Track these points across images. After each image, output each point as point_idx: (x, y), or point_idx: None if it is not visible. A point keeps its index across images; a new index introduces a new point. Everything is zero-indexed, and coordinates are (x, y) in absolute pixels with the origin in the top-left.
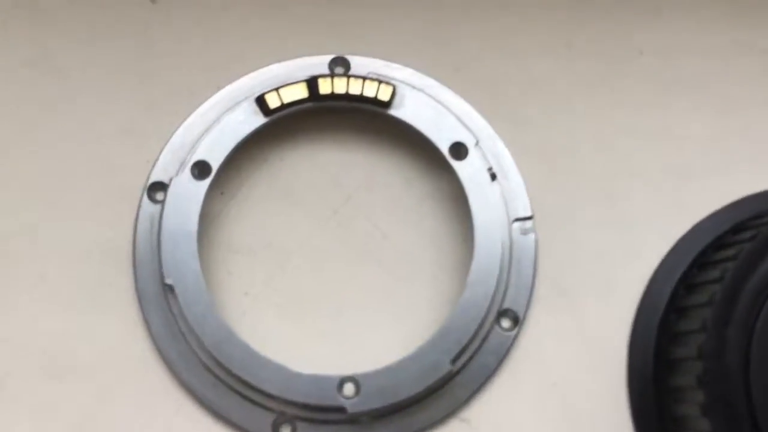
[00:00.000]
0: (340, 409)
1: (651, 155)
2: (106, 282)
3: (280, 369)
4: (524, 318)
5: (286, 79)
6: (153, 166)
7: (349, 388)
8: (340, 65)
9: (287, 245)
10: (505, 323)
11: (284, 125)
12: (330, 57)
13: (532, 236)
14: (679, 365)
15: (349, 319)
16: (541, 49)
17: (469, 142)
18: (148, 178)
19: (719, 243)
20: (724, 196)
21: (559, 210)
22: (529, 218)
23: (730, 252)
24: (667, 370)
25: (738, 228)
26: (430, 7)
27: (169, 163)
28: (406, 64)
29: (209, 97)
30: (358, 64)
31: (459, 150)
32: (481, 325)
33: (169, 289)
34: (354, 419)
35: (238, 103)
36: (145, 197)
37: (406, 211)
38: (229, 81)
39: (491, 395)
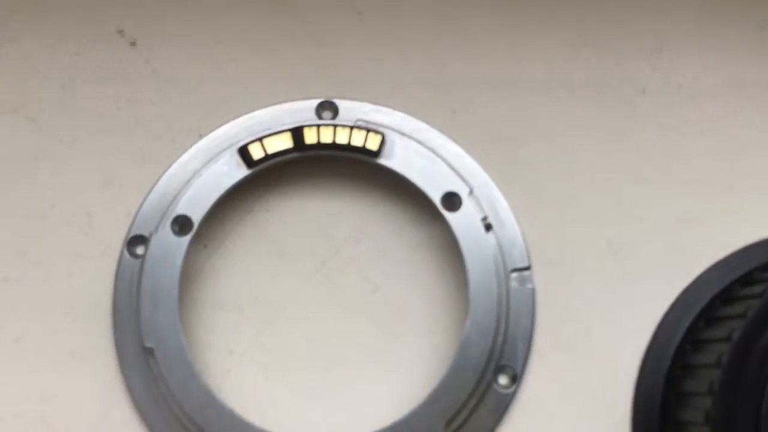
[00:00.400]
0: None
1: (654, 201)
2: (85, 342)
3: None
4: (523, 374)
5: (270, 126)
6: (134, 219)
7: None
8: (327, 110)
9: (274, 300)
10: (503, 380)
11: (269, 175)
12: (317, 101)
13: (530, 287)
14: (687, 429)
15: (338, 378)
16: (540, 90)
17: (463, 192)
18: (128, 231)
19: (727, 296)
20: (731, 243)
21: (559, 260)
22: (527, 269)
23: (739, 308)
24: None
25: (746, 279)
26: (424, 49)
27: (150, 216)
28: (398, 108)
29: (191, 146)
30: (347, 108)
31: (452, 200)
32: (477, 385)
33: (149, 352)
34: None
35: (220, 153)
36: (126, 252)
37: (397, 262)
38: (212, 128)
39: None
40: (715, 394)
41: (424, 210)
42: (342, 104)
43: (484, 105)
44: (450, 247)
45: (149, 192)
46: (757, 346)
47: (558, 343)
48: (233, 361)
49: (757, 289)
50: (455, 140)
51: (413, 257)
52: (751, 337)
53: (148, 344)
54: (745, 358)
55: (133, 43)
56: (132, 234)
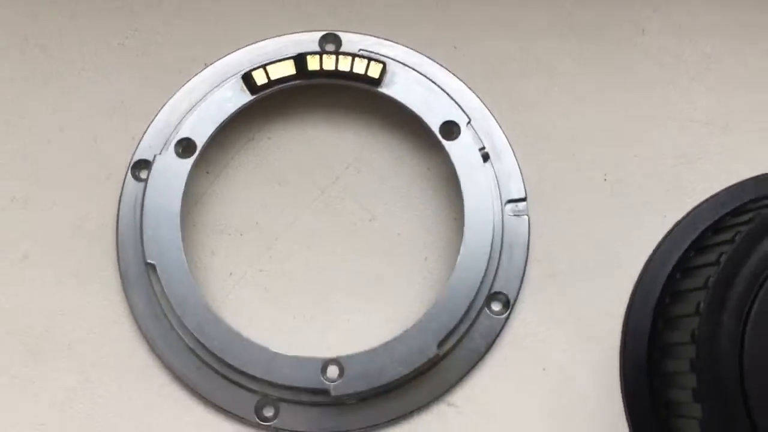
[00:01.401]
0: (323, 392)
1: (651, 137)
2: (89, 260)
3: (262, 351)
4: (515, 302)
5: (274, 55)
6: (138, 143)
7: (332, 371)
8: (330, 42)
9: (273, 226)
10: (496, 307)
11: (272, 103)
12: (321, 33)
13: (525, 218)
14: (673, 350)
15: (335, 301)
16: (543, 28)
17: (461, 122)
18: (132, 155)
19: (717, 226)
20: (725, 179)
21: (555, 192)
22: (523, 200)
23: (727, 236)
24: (661, 355)
25: (737, 211)
26: None
27: (154, 140)
28: (401, 42)
29: (196, 74)
30: (350, 41)
31: (450, 129)
32: (469, 309)
33: (151, 268)
34: (338, 402)
35: (225, 80)
36: (129, 175)
37: (396, 191)
38: (217, 58)
39: (480, 380)
40: (701, 314)
41: (424, 140)
42: (345, 36)
43: (485, 42)
44: (448, 176)
45: (154, 118)
46: (743, 268)
47: (551, 273)
48: (233, 282)
49: (746, 217)
50: (456, 74)
51: (411, 187)
52: (738, 258)
53: (150, 260)
54: (732, 279)
55: None
56: (136, 158)
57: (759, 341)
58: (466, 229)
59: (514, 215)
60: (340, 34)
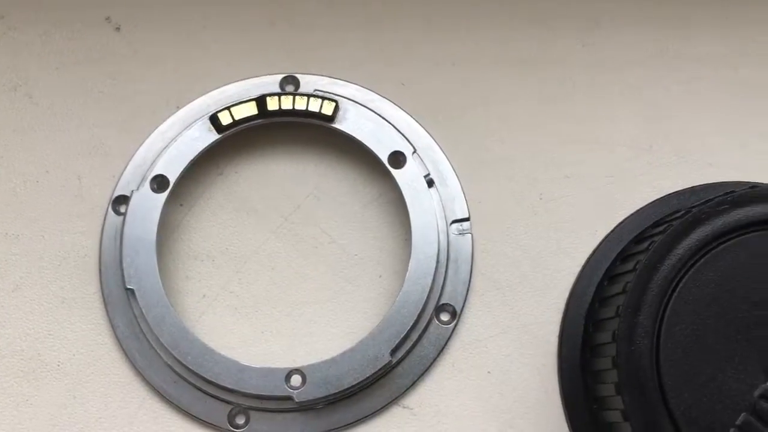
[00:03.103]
0: (288, 399)
1: (581, 160)
2: (75, 288)
3: (232, 363)
4: (462, 312)
5: (238, 97)
6: (117, 181)
7: (296, 379)
8: (290, 83)
9: (242, 251)
10: (444, 317)
11: (238, 141)
12: (281, 76)
13: (469, 236)
14: (599, 349)
15: (298, 317)
16: (482, 64)
17: (407, 151)
18: (113, 192)
19: (639, 237)
20: (649, 196)
21: (496, 212)
22: (466, 219)
23: (644, 245)
24: (591, 355)
25: (658, 223)
26: (378, 28)
27: (132, 177)
28: (353, 81)
29: (169, 117)
30: (307, 81)
31: (397, 159)
32: (419, 319)
33: (130, 293)
34: (303, 408)
35: (194, 122)
36: (110, 210)
37: (352, 216)
38: (188, 101)
39: (431, 384)
40: (620, 314)
41: (375, 169)
42: (303, 78)
43: (430, 78)
44: (397, 201)
45: (131, 157)
46: (657, 273)
47: (494, 285)
48: (206, 304)
49: (661, 228)
50: (404, 108)
51: (366, 212)
52: (652, 265)
53: (130, 286)
54: (647, 283)
55: (117, 29)
56: (116, 194)
57: (672, 338)
58: (413, 247)
59: (459, 234)
60: (298, 76)
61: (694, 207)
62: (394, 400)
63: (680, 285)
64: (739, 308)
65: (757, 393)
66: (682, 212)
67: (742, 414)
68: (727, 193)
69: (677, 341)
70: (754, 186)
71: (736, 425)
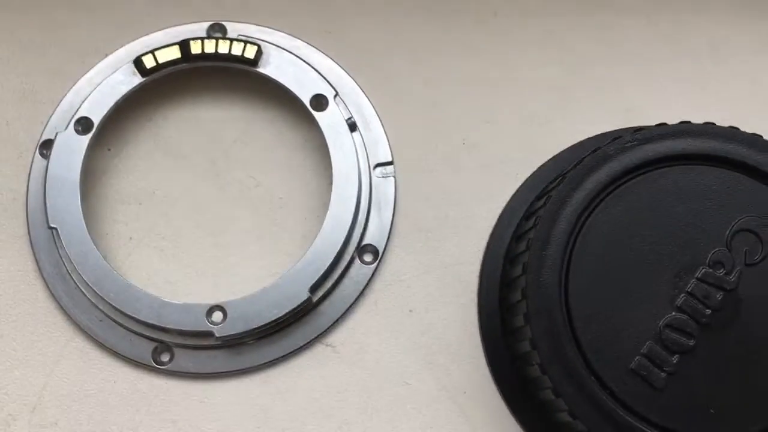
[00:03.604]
0: (209, 334)
1: (503, 104)
2: (3, 230)
3: (154, 300)
4: (384, 252)
5: (165, 44)
6: (45, 126)
7: (217, 315)
8: (217, 31)
9: (170, 195)
10: (367, 258)
11: (165, 86)
12: (208, 24)
13: (391, 180)
14: (513, 283)
15: (224, 258)
16: (406, 12)
17: (329, 95)
18: (40, 136)
19: (555, 177)
20: (568, 140)
21: (419, 156)
22: (389, 163)
23: (555, 183)
24: (507, 290)
25: (574, 165)
26: None
27: (59, 122)
28: (279, 29)
29: (96, 64)
30: (234, 29)
31: (319, 102)
32: (339, 259)
33: (54, 232)
34: (226, 344)
35: (120, 67)
36: (37, 154)
37: (278, 161)
38: (115, 49)
39: (354, 322)
40: (529, 247)
41: (299, 113)
42: (230, 26)
43: (355, 25)
44: (321, 146)
45: (59, 103)
46: (565, 207)
47: (417, 227)
48: (132, 246)
49: (571, 165)
50: (329, 55)
51: (292, 156)
52: (561, 199)
53: (53, 224)
54: (555, 217)
55: None
56: (43, 139)
57: (580, 270)
58: (333, 188)
59: (382, 177)
60: (225, 23)
61: (604, 145)
62: (316, 337)
63: (589, 219)
64: (646, 242)
65: (661, 322)
66: (593, 150)
67: (648, 342)
68: (635, 131)
69: (585, 273)
70: (660, 125)
71: (641, 353)
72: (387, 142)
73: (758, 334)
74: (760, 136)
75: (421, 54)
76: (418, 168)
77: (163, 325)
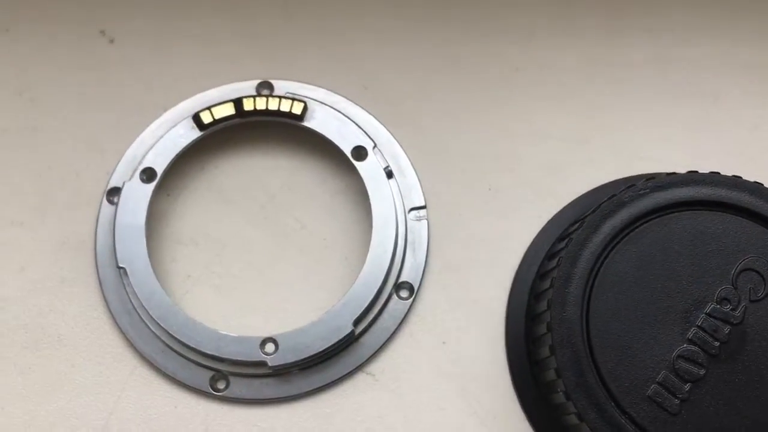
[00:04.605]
0: (263, 364)
1: (525, 153)
2: (74, 270)
3: (212, 333)
4: (419, 289)
5: (219, 100)
6: (111, 175)
7: (269, 347)
8: (265, 88)
9: (223, 237)
10: (404, 294)
11: (218, 138)
12: (257, 81)
13: (425, 222)
14: (538, 317)
15: (272, 294)
16: (435, 69)
17: (368, 146)
18: (107, 185)
19: (575, 221)
20: (586, 185)
21: (450, 201)
22: (423, 207)
23: (577, 225)
24: (532, 324)
25: (594, 210)
26: (342, 37)
27: (124, 172)
28: (321, 85)
29: (157, 118)
30: (280, 86)
31: (360, 152)
32: (379, 294)
33: (122, 272)
34: (277, 373)
35: (179, 122)
36: (105, 200)
37: (321, 206)
38: (174, 104)
39: (392, 353)
40: (553, 285)
41: (341, 162)
42: (277, 83)
43: (390, 81)
44: (361, 192)
45: (123, 154)
46: (586, 248)
47: (448, 265)
48: (190, 284)
49: (591, 209)
50: (366, 109)
51: (334, 201)
52: (581, 240)
53: (122, 264)
54: (576, 257)
55: (111, 41)
56: (110, 186)
57: (599, 305)
58: (374, 231)
59: (416, 220)
60: (272, 81)
61: (619, 192)
62: (358, 367)
63: (607, 259)
64: (659, 281)
65: (674, 353)
66: (609, 197)
67: (662, 371)
68: (647, 180)
69: (604, 308)
70: (670, 174)
71: (657, 381)
72: (420, 188)
73: (763, 365)
74: (761, 184)
75: (450, 107)
76: (449, 212)
77: (220, 356)
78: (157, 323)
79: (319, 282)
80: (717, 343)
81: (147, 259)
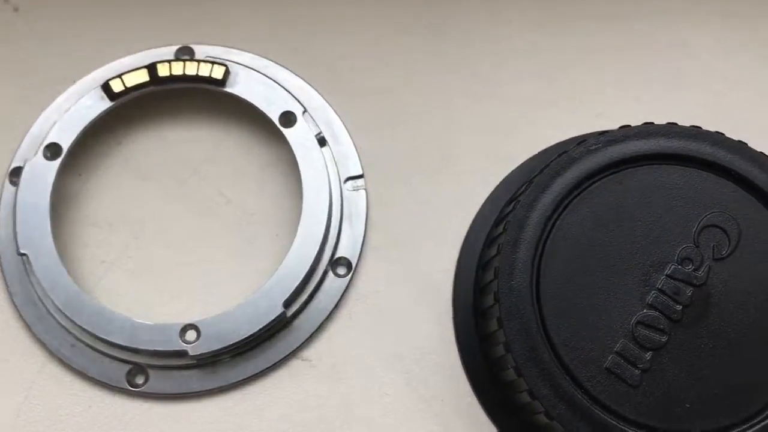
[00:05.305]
0: (184, 354)
1: (471, 114)
2: None
3: (126, 321)
4: (357, 265)
5: (133, 68)
6: (14, 153)
7: (191, 334)
8: (185, 54)
9: (140, 217)
10: (341, 270)
11: (133, 110)
12: (176, 47)
13: (363, 192)
14: (486, 288)
15: (196, 277)
16: (373, 28)
17: (297, 111)
18: (9, 164)
19: (525, 182)
20: (538, 146)
21: (390, 169)
22: (360, 177)
23: (524, 186)
24: (480, 295)
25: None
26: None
27: (28, 149)
28: (247, 50)
29: (65, 90)
30: (202, 52)
31: (288, 118)
32: (311, 273)
33: (25, 258)
34: (201, 364)
35: (88, 92)
36: (7, 181)
37: (249, 179)
38: (85, 75)
39: (329, 336)
40: (500, 251)
41: (269, 131)
42: (198, 48)
43: (323, 43)
44: (292, 162)
45: (28, 130)
46: (534, 211)
47: (390, 238)
48: (105, 269)
49: (537, 171)
50: (297, 74)
51: (262, 174)
52: (529, 203)
53: (23, 251)
54: (524, 220)
55: (15, 9)
56: (12, 166)
57: (551, 272)
58: (304, 203)
59: (353, 190)
60: (193, 46)
61: (570, 149)
62: (292, 352)
63: (557, 221)
64: (615, 242)
65: (633, 320)
66: (559, 154)
67: (621, 340)
68: (599, 134)
69: (556, 275)
70: (624, 126)
71: (615, 351)
72: (357, 156)
73: (729, 328)
74: (722, 134)
75: (389, 68)
76: (389, 181)
77: (135, 347)
78: (64, 314)
79: (247, 262)
80: (679, 307)
81: (52, 244)
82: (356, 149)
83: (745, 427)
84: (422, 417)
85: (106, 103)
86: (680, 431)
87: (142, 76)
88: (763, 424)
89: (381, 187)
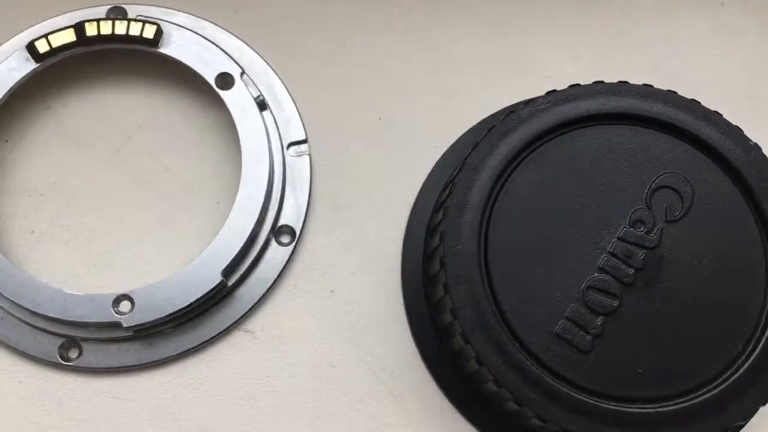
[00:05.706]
0: (117, 325)
1: (419, 80)
2: None
3: (56, 292)
4: (302, 233)
5: (61, 27)
6: None
7: (124, 305)
8: (117, 14)
9: (72, 185)
10: (284, 239)
11: (63, 73)
12: (107, 7)
13: (306, 158)
14: (433, 254)
15: (132, 247)
16: None
17: (235, 73)
18: None
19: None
20: (488, 111)
21: (335, 133)
22: (304, 142)
23: (471, 149)
24: (427, 262)
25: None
26: None
27: None
28: (183, 10)
29: None
30: (135, 11)
31: (225, 80)
32: (252, 240)
33: None
34: (137, 336)
35: (13, 53)
36: None
37: (187, 145)
38: (10, 37)
39: (273, 307)
40: (445, 216)
41: (206, 94)
42: (130, 8)
43: (262, 4)
44: (231, 127)
45: None
46: (481, 173)
47: (335, 205)
48: (34, 240)
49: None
50: (236, 35)
51: (201, 139)
52: (473, 167)
53: None
54: (470, 183)
55: None
56: None
57: (499, 236)
58: (243, 169)
59: (297, 156)
60: (126, 6)
61: (517, 109)
62: (233, 324)
63: (505, 184)
64: (564, 204)
65: (584, 284)
66: (506, 114)
67: (571, 305)
68: (549, 93)
69: (504, 238)
70: (573, 86)
71: (565, 316)
72: (300, 121)
73: (682, 291)
74: (675, 92)
75: (333, 31)
76: (334, 146)
77: (67, 319)
78: None
79: (186, 232)
80: (631, 270)
81: None
82: (299, 113)
83: (700, 392)
84: (372, 388)
85: (31, 65)
86: (632, 397)
87: (69, 36)
88: (719, 389)
89: (326, 152)
